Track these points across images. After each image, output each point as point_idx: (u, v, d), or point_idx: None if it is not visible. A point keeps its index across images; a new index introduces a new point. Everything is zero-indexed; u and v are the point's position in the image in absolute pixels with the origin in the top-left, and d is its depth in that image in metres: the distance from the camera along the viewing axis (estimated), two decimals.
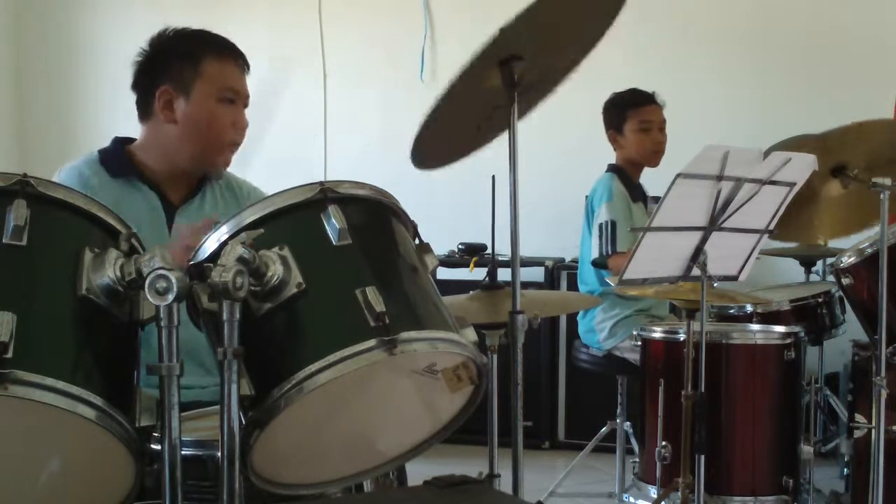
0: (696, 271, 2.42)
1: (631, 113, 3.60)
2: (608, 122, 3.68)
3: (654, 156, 3.61)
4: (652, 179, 3.67)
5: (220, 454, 1.29)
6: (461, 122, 2.06)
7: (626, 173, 3.63)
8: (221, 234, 1.37)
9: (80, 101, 5.76)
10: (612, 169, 3.64)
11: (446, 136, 2.09)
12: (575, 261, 4.12)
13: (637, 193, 3.64)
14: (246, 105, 2.13)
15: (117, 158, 2.12)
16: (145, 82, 2.10)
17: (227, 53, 2.11)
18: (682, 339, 2.80)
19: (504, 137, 1.98)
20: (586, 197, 3.70)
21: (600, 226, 3.46)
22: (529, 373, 2.65)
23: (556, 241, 4.78)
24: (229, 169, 2.20)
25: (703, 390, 2.49)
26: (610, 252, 3.42)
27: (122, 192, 2.06)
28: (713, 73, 4.91)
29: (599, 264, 3.49)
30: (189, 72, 2.06)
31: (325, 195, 1.39)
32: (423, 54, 5.20)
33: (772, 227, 2.49)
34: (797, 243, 3.91)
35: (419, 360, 1.39)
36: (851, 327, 3.56)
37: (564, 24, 1.96)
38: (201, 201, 2.15)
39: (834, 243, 4.02)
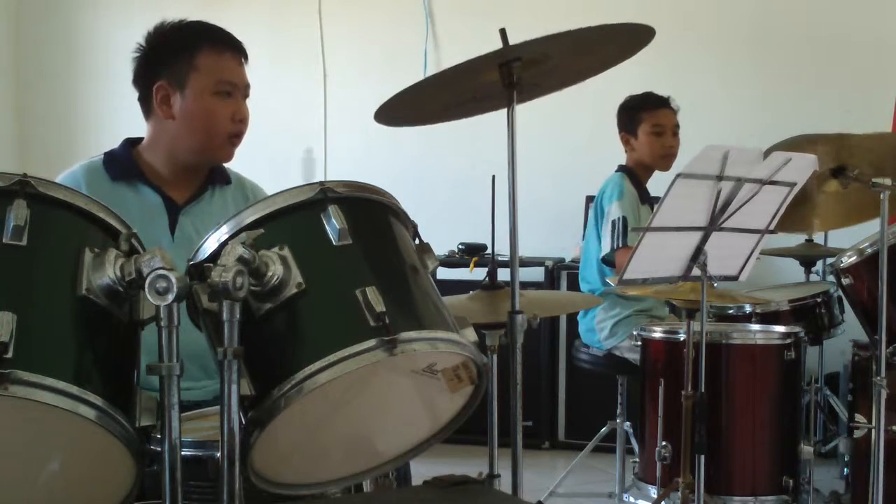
0: (696, 271, 2.42)
1: (644, 116, 3.62)
2: (621, 124, 3.69)
3: (665, 159, 3.63)
4: (653, 179, 3.68)
5: (220, 454, 1.29)
6: (447, 94, 2.07)
7: (636, 175, 3.64)
8: (221, 234, 1.37)
9: (80, 102, 5.76)
10: (622, 169, 3.65)
11: (426, 101, 2.09)
12: (575, 261, 4.13)
13: (645, 196, 3.65)
14: (246, 95, 2.10)
15: (122, 161, 2.11)
16: (144, 79, 2.09)
17: (223, 45, 2.07)
18: (682, 339, 2.80)
19: (503, 138, 1.98)
20: (587, 197, 3.71)
21: (613, 222, 3.47)
22: (529, 373, 2.66)
23: (556, 241, 4.78)
24: (232, 164, 2.19)
25: (703, 390, 2.49)
26: (619, 246, 3.43)
27: (120, 196, 2.04)
28: (714, 74, 4.91)
29: (609, 261, 3.50)
30: (184, 66, 2.03)
31: (325, 195, 1.39)
32: (426, 54, 5.20)
33: (772, 227, 2.49)
34: (791, 234, 3.90)
35: (419, 360, 1.39)
36: (851, 327, 3.56)
37: (579, 54, 1.99)
38: (209, 201, 2.14)
39: (834, 243, 4.04)
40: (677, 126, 3.66)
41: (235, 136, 2.09)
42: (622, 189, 3.54)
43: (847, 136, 2.78)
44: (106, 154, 2.13)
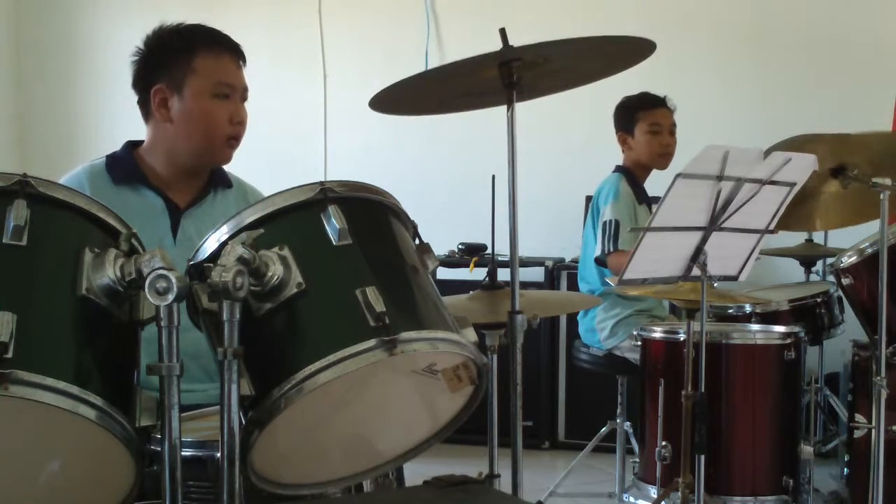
0: (696, 271, 2.42)
1: (642, 115, 3.62)
2: (619, 123, 3.69)
3: (662, 158, 3.63)
4: (653, 179, 3.68)
5: (220, 454, 1.29)
6: (445, 89, 2.07)
7: (633, 175, 3.64)
8: (221, 234, 1.37)
9: (80, 102, 5.76)
10: (619, 170, 3.66)
11: (423, 93, 2.09)
12: (575, 261, 4.13)
13: (643, 196, 3.65)
14: (244, 98, 2.10)
15: (124, 164, 2.11)
16: (142, 82, 2.09)
17: (220, 47, 2.07)
18: (682, 339, 2.80)
19: (503, 138, 1.98)
20: (587, 197, 3.71)
21: (604, 224, 3.48)
22: (529, 373, 2.66)
23: (556, 241, 4.78)
24: (232, 165, 2.19)
25: (703, 390, 2.49)
26: (611, 250, 3.43)
27: (122, 198, 2.04)
28: (714, 73, 4.91)
29: (601, 262, 3.51)
30: (182, 68, 2.04)
31: (325, 195, 1.39)
32: (428, 54, 5.20)
33: (772, 227, 2.49)
34: (793, 232, 3.91)
35: (419, 360, 1.39)
36: (851, 327, 3.56)
37: (579, 60, 2.00)
38: (211, 205, 2.14)
39: (834, 243, 4.04)
40: (674, 125, 3.66)
41: (234, 139, 2.09)
42: (618, 190, 3.55)
43: (847, 136, 2.78)
44: (108, 157, 2.13)
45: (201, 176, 2.15)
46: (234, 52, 2.09)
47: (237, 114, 2.08)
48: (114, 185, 2.08)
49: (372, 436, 1.50)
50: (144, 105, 2.10)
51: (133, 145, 2.15)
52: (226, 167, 2.20)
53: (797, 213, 2.86)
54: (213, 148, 2.09)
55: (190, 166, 2.12)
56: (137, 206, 2.05)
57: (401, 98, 2.07)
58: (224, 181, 2.18)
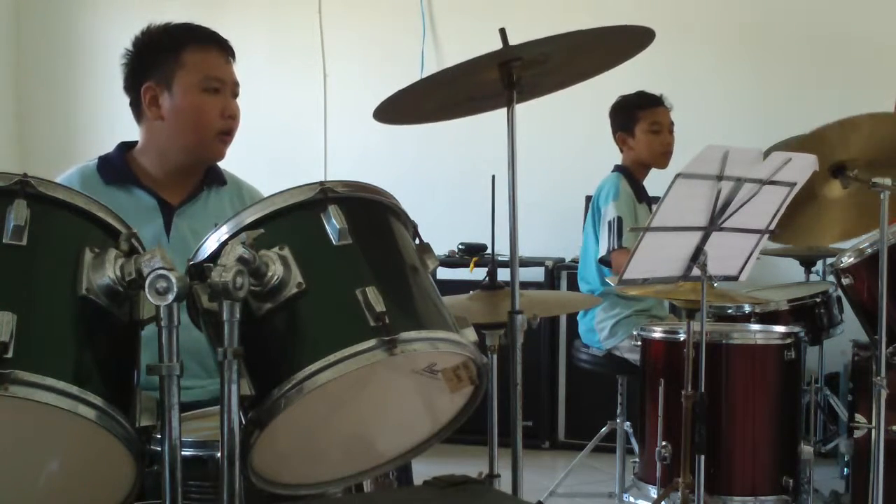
0: (696, 271, 2.42)
1: (642, 114, 3.63)
2: (618, 123, 3.69)
3: (663, 157, 3.64)
4: (652, 179, 3.68)
5: (220, 454, 1.29)
6: (446, 93, 2.07)
7: (632, 174, 3.65)
8: (221, 234, 1.37)
9: (80, 102, 5.76)
10: (618, 169, 3.66)
11: (425, 99, 2.09)
12: (575, 261, 4.13)
13: (642, 194, 3.66)
14: (235, 94, 2.10)
15: (115, 165, 2.11)
16: (133, 82, 2.09)
17: (208, 42, 2.07)
18: (682, 339, 2.80)
19: (503, 138, 1.98)
20: (587, 197, 3.71)
21: (609, 223, 3.48)
22: (529, 373, 2.66)
23: (556, 241, 4.78)
24: (232, 165, 2.19)
25: (703, 390, 2.49)
26: (615, 248, 3.43)
27: (113, 199, 2.02)
28: (713, 73, 4.91)
29: (607, 262, 3.51)
30: (170, 64, 2.04)
31: (325, 195, 1.39)
32: (423, 55, 5.21)
33: (772, 227, 2.49)
34: (800, 246, 3.91)
35: (419, 360, 1.39)
36: (851, 327, 3.56)
37: (579, 55, 2.00)
38: (204, 203, 2.13)
39: (834, 243, 4.03)
40: (672, 123, 3.67)
41: (226, 134, 2.08)
42: (618, 189, 3.55)
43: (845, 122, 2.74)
44: (100, 158, 2.13)
45: (195, 175, 2.15)
46: (221, 47, 2.09)
47: (228, 108, 2.07)
48: (105, 185, 2.07)
49: (372, 436, 1.50)
50: (136, 106, 2.10)
51: (126, 147, 2.15)
52: (225, 165, 2.19)
53: (802, 224, 2.85)
54: (205, 143, 2.08)
55: (183, 164, 2.11)
56: (129, 207, 2.03)
57: (403, 107, 2.06)
58: (218, 179, 2.18)
